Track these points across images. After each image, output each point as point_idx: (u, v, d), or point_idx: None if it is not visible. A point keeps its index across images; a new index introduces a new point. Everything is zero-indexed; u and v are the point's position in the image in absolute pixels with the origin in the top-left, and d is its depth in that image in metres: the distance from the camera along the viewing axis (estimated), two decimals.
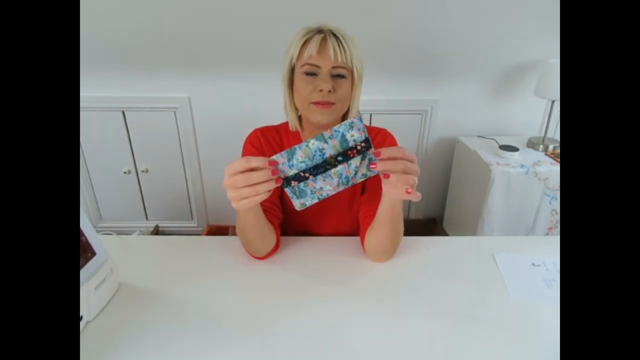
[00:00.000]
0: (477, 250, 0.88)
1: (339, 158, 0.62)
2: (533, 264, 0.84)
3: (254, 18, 1.60)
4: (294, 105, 0.87)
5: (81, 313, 0.64)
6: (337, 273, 0.81)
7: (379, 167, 0.62)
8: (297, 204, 0.66)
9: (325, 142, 0.61)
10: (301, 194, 0.65)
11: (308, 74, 0.80)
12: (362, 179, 0.64)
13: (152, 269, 0.82)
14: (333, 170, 0.63)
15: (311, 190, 0.64)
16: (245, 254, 0.84)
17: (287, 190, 0.64)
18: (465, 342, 0.64)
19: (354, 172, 0.63)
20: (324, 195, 0.65)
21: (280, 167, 0.62)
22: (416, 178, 0.64)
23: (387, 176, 0.62)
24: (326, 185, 0.64)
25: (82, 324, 0.65)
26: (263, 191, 0.61)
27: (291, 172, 0.62)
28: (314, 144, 0.61)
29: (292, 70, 0.83)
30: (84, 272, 0.64)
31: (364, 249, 0.85)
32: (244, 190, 0.61)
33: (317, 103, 0.80)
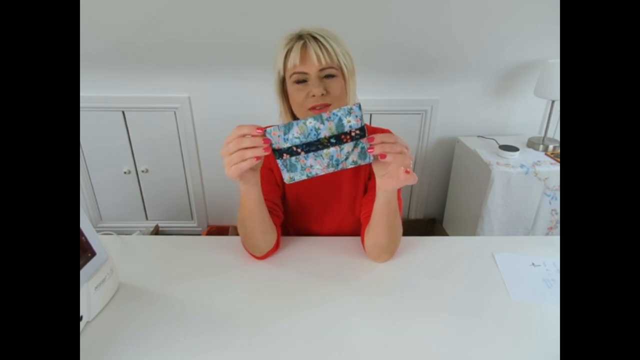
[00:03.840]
0: (477, 250, 0.88)
1: (332, 140, 0.63)
2: (533, 264, 0.84)
3: (254, 18, 1.60)
4: (290, 114, 0.87)
5: (81, 313, 0.64)
6: (338, 273, 0.81)
7: (376, 149, 0.63)
8: (287, 177, 0.67)
9: (322, 123, 0.62)
10: (291, 168, 0.66)
11: (298, 82, 0.80)
12: (352, 166, 0.65)
13: (152, 269, 0.82)
14: (325, 151, 0.64)
15: (301, 166, 0.66)
16: (245, 254, 0.84)
17: (278, 162, 0.66)
18: (465, 342, 0.64)
19: (345, 157, 0.64)
20: (313, 174, 0.66)
21: (275, 139, 0.63)
22: (411, 162, 0.65)
23: (383, 156, 0.63)
24: (316, 164, 0.65)
25: (82, 324, 0.65)
26: (250, 156, 0.62)
27: (285, 145, 0.64)
28: (311, 122, 0.62)
29: (282, 81, 0.84)
30: (84, 272, 0.64)
31: (364, 248, 0.85)
32: (233, 156, 0.62)
33: (314, 109, 0.80)
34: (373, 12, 1.60)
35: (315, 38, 0.78)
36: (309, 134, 0.63)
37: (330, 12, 1.56)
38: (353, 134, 0.63)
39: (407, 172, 0.65)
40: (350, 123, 0.62)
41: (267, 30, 1.61)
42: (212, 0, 1.53)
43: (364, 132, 0.63)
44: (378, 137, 0.63)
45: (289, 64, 0.79)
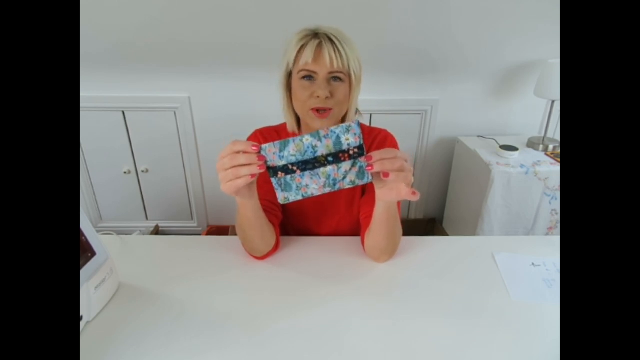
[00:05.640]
0: (477, 250, 0.88)
1: (330, 159, 0.62)
2: (533, 264, 0.84)
3: (254, 18, 1.60)
4: (292, 108, 0.86)
5: (81, 313, 0.64)
6: (338, 273, 0.81)
7: (377, 167, 0.61)
8: (281, 197, 0.66)
9: (320, 140, 0.61)
10: (286, 187, 0.65)
11: (305, 78, 0.79)
12: (349, 186, 0.64)
13: (152, 269, 0.82)
14: (322, 169, 0.63)
15: (297, 186, 0.64)
16: (245, 254, 0.84)
17: (273, 180, 0.65)
18: (465, 342, 0.64)
19: (342, 177, 0.63)
20: (309, 194, 0.65)
21: (271, 156, 0.62)
22: (412, 177, 0.64)
23: (387, 175, 0.62)
24: (312, 184, 0.64)
25: (82, 324, 0.65)
26: (244, 174, 0.61)
27: (280, 163, 0.63)
28: (307, 139, 0.61)
29: (289, 74, 0.83)
30: (84, 272, 0.64)
31: (364, 249, 0.85)
32: (228, 173, 0.62)
33: (316, 110, 0.80)
34: (373, 12, 1.60)
35: (331, 40, 0.78)
36: (306, 151, 0.61)
37: (330, 12, 1.56)
38: (351, 152, 0.61)
39: (413, 193, 0.63)
40: (349, 141, 0.60)
41: (267, 30, 1.61)
42: (212, 0, 1.53)
43: (362, 150, 0.61)
44: (377, 154, 0.62)
45: (301, 61, 0.78)
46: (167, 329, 0.66)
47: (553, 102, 1.72)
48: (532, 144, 1.78)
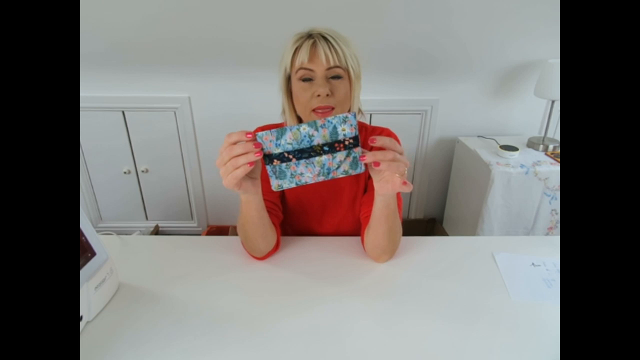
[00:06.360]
0: (477, 250, 0.88)
1: (325, 148, 0.63)
2: (533, 264, 0.84)
3: (254, 18, 1.60)
4: (294, 112, 0.87)
5: (81, 313, 0.64)
6: (338, 273, 0.81)
7: (368, 158, 0.62)
8: (275, 184, 0.67)
9: (316, 129, 0.62)
10: (281, 175, 0.66)
11: (304, 80, 0.79)
12: (342, 175, 0.65)
13: (152, 269, 0.82)
14: (317, 158, 0.64)
15: (291, 174, 0.65)
16: (245, 254, 0.84)
17: (267, 168, 0.65)
18: (465, 342, 0.64)
19: (336, 166, 0.64)
20: (302, 182, 0.66)
21: (267, 144, 0.63)
22: (406, 169, 0.64)
23: (377, 164, 0.63)
24: (307, 172, 0.65)
25: (82, 324, 0.65)
26: (242, 163, 0.62)
27: (276, 151, 0.63)
28: (305, 129, 0.62)
29: (288, 79, 0.83)
30: (84, 272, 0.64)
31: (364, 249, 0.85)
32: (227, 166, 0.62)
33: (317, 111, 0.80)
34: (373, 12, 1.60)
35: (325, 38, 0.78)
36: (302, 140, 0.62)
37: (330, 12, 1.56)
38: (346, 142, 0.62)
39: (404, 183, 0.64)
40: (345, 131, 0.62)
41: (267, 30, 1.61)
42: (213, 0, 1.53)
43: (357, 141, 0.63)
44: (377, 140, 0.63)
45: (297, 62, 0.79)
46: (167, 329, 0.66)
47: (553, 102, 1.72)
48: (532, 144, 1.78)
